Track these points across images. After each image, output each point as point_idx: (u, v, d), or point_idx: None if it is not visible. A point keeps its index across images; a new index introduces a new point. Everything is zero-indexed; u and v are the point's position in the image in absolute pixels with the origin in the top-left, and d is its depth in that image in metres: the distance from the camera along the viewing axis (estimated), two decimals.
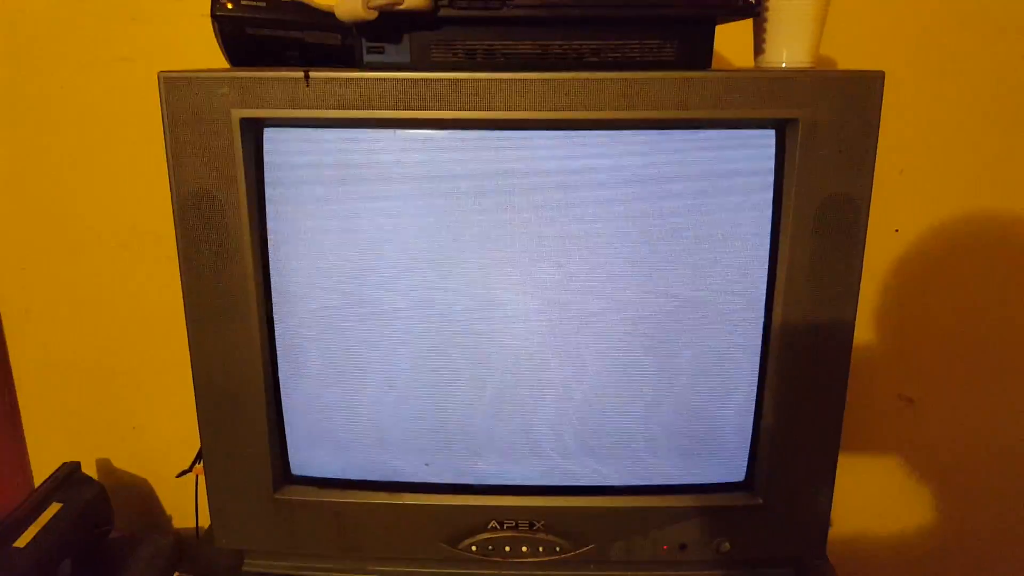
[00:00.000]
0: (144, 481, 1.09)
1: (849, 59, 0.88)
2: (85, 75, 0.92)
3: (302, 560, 0.74)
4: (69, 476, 0.99)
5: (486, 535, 0.71)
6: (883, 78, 0.60)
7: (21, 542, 0.87)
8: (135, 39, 0.91)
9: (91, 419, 1.07)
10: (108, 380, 1.05)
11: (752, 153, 0.63)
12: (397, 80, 0.60)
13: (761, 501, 0.71)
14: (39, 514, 0.92)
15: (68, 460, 0.99)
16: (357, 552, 0.73)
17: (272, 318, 0.67)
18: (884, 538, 1.09)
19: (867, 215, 0.63)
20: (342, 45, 0.65)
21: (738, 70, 0.61)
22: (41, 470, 1.10)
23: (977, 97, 0.91)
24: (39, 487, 0.96)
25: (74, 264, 1.00)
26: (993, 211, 0.95)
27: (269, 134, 0.63)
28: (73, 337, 1.03)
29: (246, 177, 0.62)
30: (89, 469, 1.04)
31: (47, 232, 0.99)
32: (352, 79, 0.60)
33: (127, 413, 1.06)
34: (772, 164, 0.63)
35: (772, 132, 0.62)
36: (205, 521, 0.84)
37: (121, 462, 1.09)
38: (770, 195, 0.63)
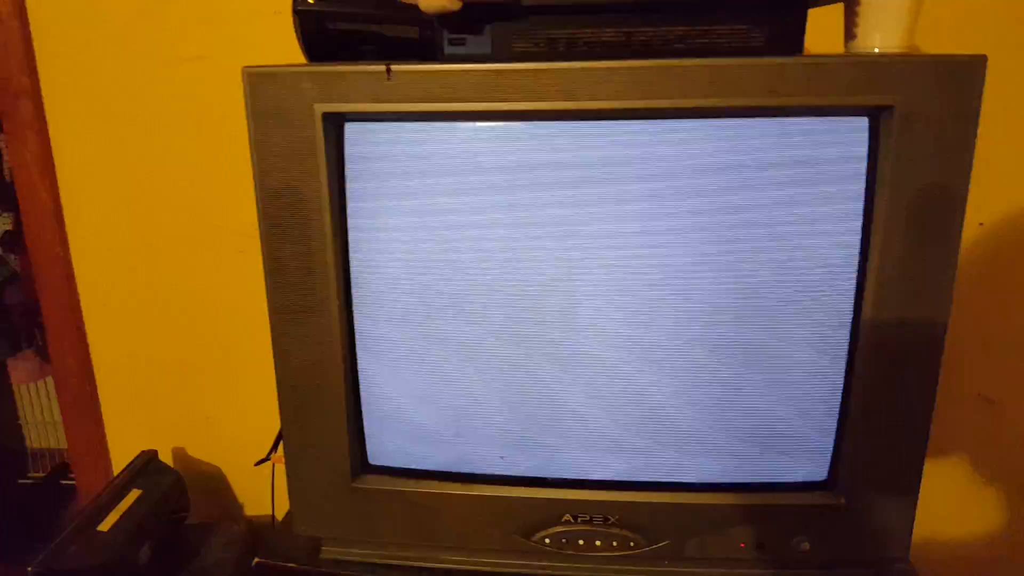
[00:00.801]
0: (218, 470, 1.12)
1: (942, 45, 0.84)
2: (164, 74, 0.95)
3: (378, 548, 0.75)
4: (147, 464, 1.02)
5: (560, 528, 0.71)
6: (985, 63, 0.58)
7: (104, 526, 0.91)
8: (208, 38, 0.93)
9: (167, 409, 1.10)
10: (183, 372, 1.07)
11: (844, 142, 0.61)
12: (479, 71, 0.59)
13: (844, 501, 0.69)
14: (120, 500, 0.95)
15: (146, 449, 1.03)
16: (432, 541, 0.73)
17: (352, 310, 0.68)
18: (963, 541, 1.05)
19: (964, 208, 0.61)
20: (420, 38, 0.65)
21: (829, 55, 0.59)
22: (120, 459, 1.13)
23: None
24: (119, 474, 1.00)
25: (152, 258, 1.03)
26: None
27: (351, 128, 0.63)
28: (150, 330, 1.06)
29: (328, 171, 0.63)
30: (165, 458, 1.07)
31: (127, 225, 1.02)
32: (433, 71, 0.60)
33: (201, 404, 1.09)
34: (865, 153, 0.61)
35: (865, 120, 0.60)
36: (280, 509, 0.86)
37: (196, 451, 1.12)
38: (862, 186, 0.61)
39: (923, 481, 0.70)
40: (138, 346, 1.07)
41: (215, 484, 1.12)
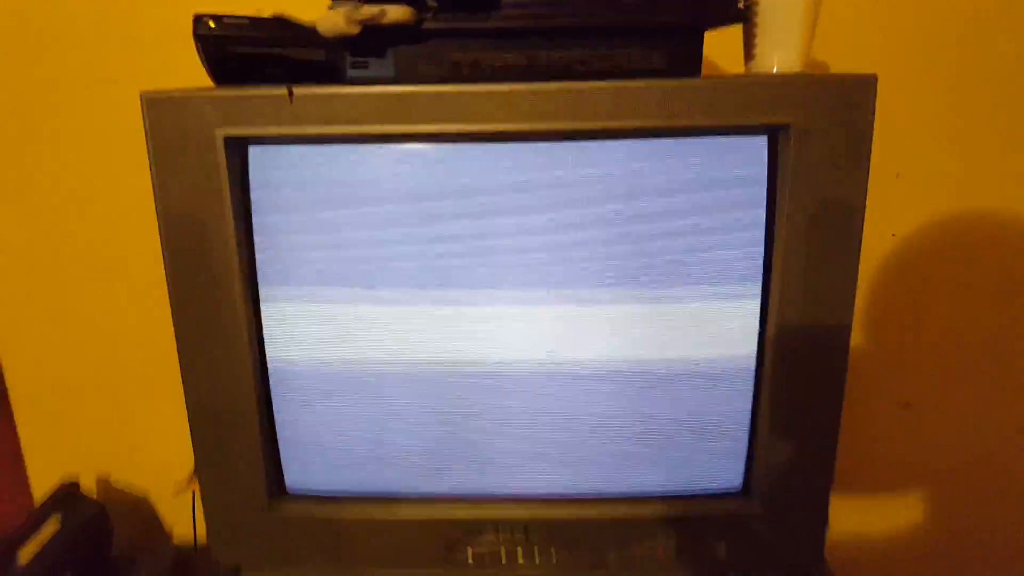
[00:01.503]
0: (143, 498, 1.09)
1: (842, 62, 0.87)
2: (74, 98, 0.92)
3: (299, 572, 0.74)
4: (68, 494, 0.98)
5: (483, 544, 0.71)
6: (876, 81, 0.59)
7: (23, 559, 0.87)
8: (122, 61, 0.90)
9: (89, 438, 1.07)
10: (105, 400, 1.04)
11: (744, 160, 0.62)
12: (381, 94, 0.59)
13: (760, 509, 0.70)
14: (39, 531, 0.91)
15: (67, 478, 0.99)
16: (354, 563, 0.72)
17: (263, 337, 0.67)
18: (882, 542, 1.08)
19: (862, 220, 0.62)
20: (327, 61, 0.64)
21: (728, 76, 0.61)
22: (41, 491, 1.09)
23: (973, 98, 0.90)
24: (39, 506, 0.96)
25: (67, 284, 1.00)
26: (991, 213, 0.95)
27: (254, 152, 0.62)
28: (68, 357, 1.03)
29: (232, 197, 0.62)
30: (89, 487, 1.04)
31: (40, 253, 0.99)
32: (335, 94, 0.59)
33: (124, 432, 1.06)
34: (765, 171, 0.62)
35: (764, 138, 0.62)
36: (203, 536, 0.84)
37: (120, 480, 1.09)
38: (763, 202, 0.63)
39: (844, 483, 0.72)
40: (56, 374, 1.04)
41: (141, 512, 1.09)
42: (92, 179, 0.95)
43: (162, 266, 0.62)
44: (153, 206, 0.63)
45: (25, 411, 1.07)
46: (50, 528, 0.92)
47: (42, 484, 1.09)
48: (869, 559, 1.07)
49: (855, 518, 1.06)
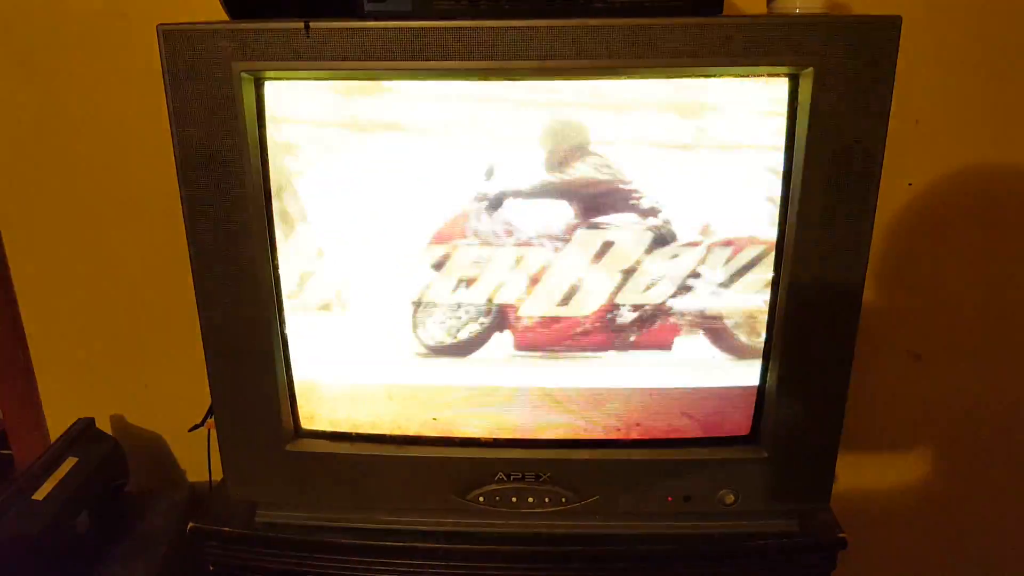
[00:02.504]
0: (158, 437, 1.11)
1: (864, 3, 0.85)
2: (81, 31, 0.91)
3: (313, 510, 0.75)
4: (84, 431, 1.00)
5: (493, 486, 0.72)
6: (900, 23, 0.58)
7: (39, 495, 0.89)
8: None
9: (105, 377, 1.08)
10: (120, 338, 1.05)
11: (764, 102, 0.61)
12: (398, 29, 0.58)
13: (766, 455, 0.71)
14: (56, 468, 0.93)
15: (82, 417, 1.01)
16: (367, 503, 0.74)
17: (279, 274, 0.67)
18: (888, 491, 1.09)
19: (880, 166, 0.62)
20: None
21: (749, 16, 0.59)
22: (57, 428, 1.11)
23: (997, 45, 0.88)
24: (55, 442, 0.98)
25: (83, 223, 1.00)
26: (1010, 164, 0.93)
27: (270, 88, 0.62)
28: (84, 296, 1.03)
29: (249, 133, 0.62)
30: (103, 426, 1.06)
31: (57, 192, 0.98)
32: (353, 29, 0.58)
33: (139, 370, 1.07)
34: (784, 113, 0.61)
35: (784, 80, 0.61)
36: (217, 474, 0.85)
37: (135, 418, 1.10)
38: (782, 145, 0.62)
39: (848, 433, 0.72)
40: (72, 312, 1.05)
41: (155, 451, 1.11)
42: (108, 118, 0.94)
43: (178, 204, 0.63)
44: (170, 143, 0.62)
45: (41, 349, 1.08)
46: (67, 465, 0.94)
47: (58, 424, 1.10)
48: (872, 507, 1.08)
49: (860, 468, 1.07)
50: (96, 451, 0.98)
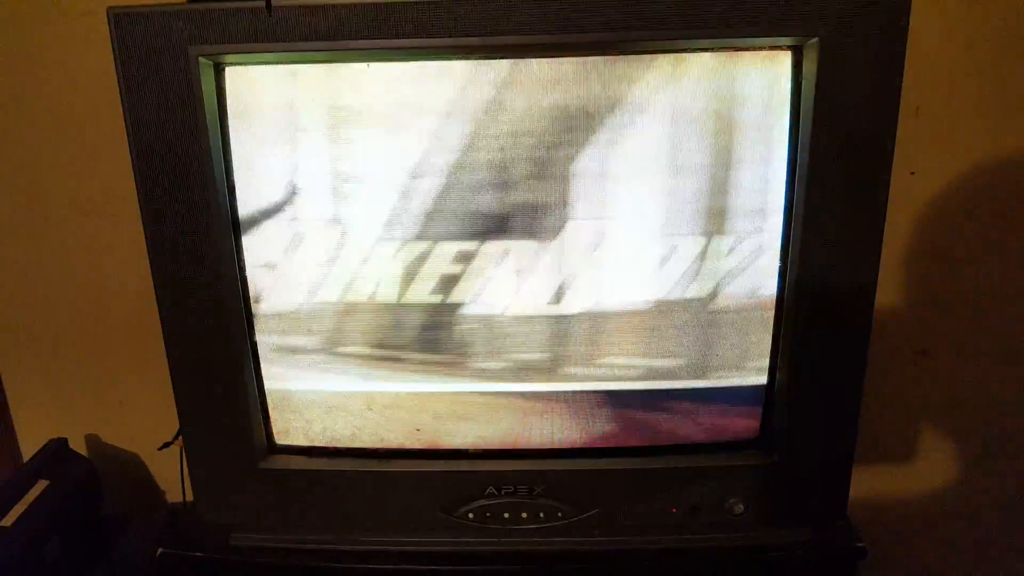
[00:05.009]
0: (135, 456, 1.06)
1: None
2: (49, 32, 0.87)
3: (291, 532, 0.70)
4: (56, 452, 0.95)
5: (483, 502, 0.67)
6: None
7: (7, 521, 0.84)
8: None
9: (78, 394, 1.03)
10: (93, 354, 1.01)
11: (767, 79, 0.57)
12: (369, 5, 0.54)
13: (776, 459, 0.66)
14: (25, 492, 0.89)
15: (55, 437, 0.96)
16: (349, 522, 0.69)
17: (246, 277, 0.62)
18: (897, 493, 1.05)
19: (892, 149, 0.58)
20: None
21: None
22: (29, 448, 1.06)
23: (1005, 28, 0.84)
24: (24, 464, 0.93)
25: (50, 236, 0.96)
26: (1017, 153, 0.89)
27: (231, 73, 0.57)
28: (56, 308, 0.99)
29: (209, 123, 0.57)
30: (78, 445, 1.01)
31: (20, 205, 0.95)
32: (319, 5, 0.54)
33: (114, 387, 1.02)
34: (788, 91, 0.57)
35: (788, 55, 0.57)
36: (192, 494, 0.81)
37: (111, 437, 1.05)
38: (786, 126, 0.58)
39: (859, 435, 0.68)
40: (42, 328, 1.00)
41: (133, 471, 1.06)
42: (72, 124, 0.90)
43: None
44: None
45: (12, 367, 1.03)
46: (37, 488, 0.90)
47: (31, 444, 1.06)
48: (884, 509, 1.04)
49: (874, 473, 1.02)
50: (69, 473, 0.93)
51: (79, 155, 0.92)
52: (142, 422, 1.03)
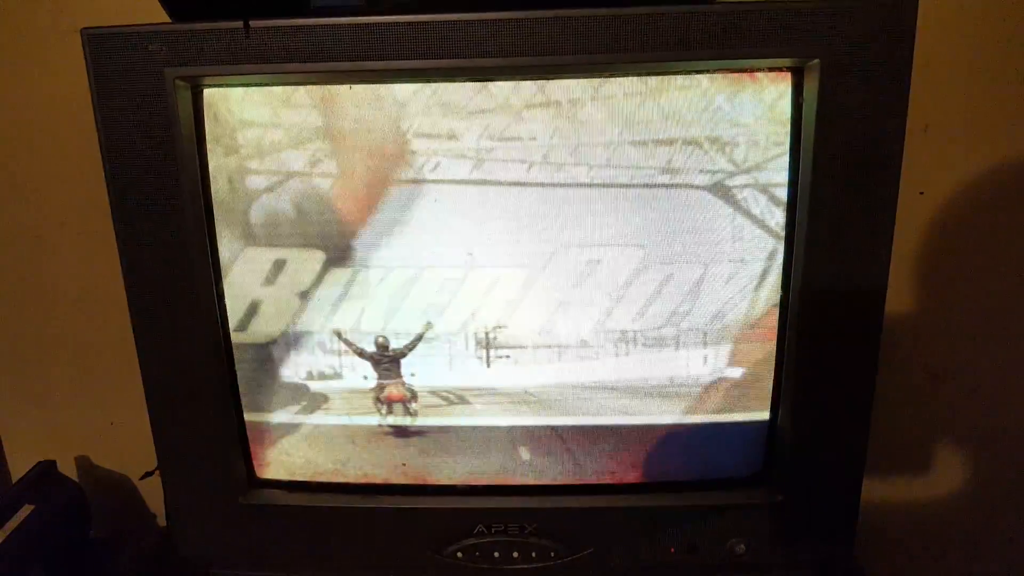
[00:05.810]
0: (126, 479, 1.04)
1: None
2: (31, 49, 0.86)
3: (273, 570, 0.68)
4: (43, 476, 0.93)
5: (472, 540, 0.65)
6: (916, 6, 0.51)
7: None
8: (86, 9, 0.83)
9: (68, 416, 1.02)
10: (82, 374, 0.99)
11: (765, 100, 0.54)
12: (350, 25, 0.52)
13: (780, 497, 0.63)
14: (9, 518, 0.87)
15: (44, 459, 0.94)
16: (332, 561, 0.67)
17: (224, 305, 0.60)
18: (907, 513, 1.01)
19: (899, 168, 0.55)
20: None
21: (747, 2, 0.53)
22: (18, 470, 1.05)
23: (1013, 42, 0.81)
24: (10, 489, 0.91)
25: (38, 256, 0.94)
26: None
27: (209, 95, 0.55)
28: (43, 331, 0.98)
29: (186, 146, 0.55)
30: (68, 468, 0.99)
31: (6, 225, 0.93)
32: (298, 26, 0.52)
33: (104, 408, 1.00)
34: (788, 112, 0.54)
35: (788, 75, 0.54)
36: None
37: (101, 459, 1.04)
38: (786, 148, 0.55)
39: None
40: (32, 348, 0.99)
41: (124, 494, 1.04)
42: (67, 143, 0.89)
43: None
44: None
45: (1, 388, 1.02)
46: (22, 513, 0.88)
47: (20, 467, 1.04)
48: (893, 529, 1.01)
49: (878, 489, 0.99)
50: (56, 497, 0.91)
51: (69, 175, 0.90)
52: (133, 444, 1.01)
